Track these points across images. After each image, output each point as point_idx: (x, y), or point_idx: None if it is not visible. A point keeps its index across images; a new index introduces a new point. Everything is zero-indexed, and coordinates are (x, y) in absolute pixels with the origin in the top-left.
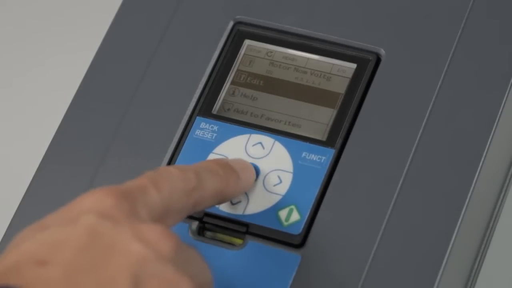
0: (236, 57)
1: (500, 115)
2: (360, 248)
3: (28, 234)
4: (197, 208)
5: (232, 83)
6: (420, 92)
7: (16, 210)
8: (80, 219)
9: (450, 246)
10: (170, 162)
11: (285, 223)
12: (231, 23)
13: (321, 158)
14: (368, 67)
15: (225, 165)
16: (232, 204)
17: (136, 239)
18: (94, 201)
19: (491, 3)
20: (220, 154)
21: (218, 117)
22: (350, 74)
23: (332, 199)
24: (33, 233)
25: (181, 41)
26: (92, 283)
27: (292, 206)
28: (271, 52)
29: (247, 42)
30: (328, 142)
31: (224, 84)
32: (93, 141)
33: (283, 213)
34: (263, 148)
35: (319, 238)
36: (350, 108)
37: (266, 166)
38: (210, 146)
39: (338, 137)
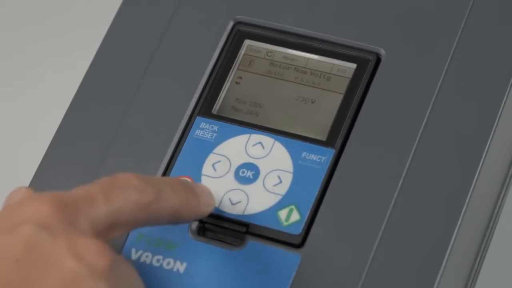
0: (236, 57)
1: (500, 115)
2: (360, 248)
3: None
4: (151, 223)
5: (232, 83)
6: (420, 92)
7: None
8: (19, 228)
9: (450, 246)
10: (170, 162)
11: (285, 223)
12: (231, 23)
13: (321, 158)
14: (368, 67)
15: (188, 186)
16: (232, 204)
17: (70, 254)
18: (35, 209)
19: (491, 3)
20: (220, 154)
21: (218, 117)
22: (350, 74)
23: (332, 199)
24: None
25: (181, 41)
26: None
27: (292, 206)
28: (271, 52)
29: (247, 42)
30: (328, 142)
31: (224, 84)
32: (93, 141)
33: (283, 213)
34: (263, 148)
35: (319, 238)
36: (350, 108)
37: (266, 166)
38: (210, 146)
39: (338, 137)
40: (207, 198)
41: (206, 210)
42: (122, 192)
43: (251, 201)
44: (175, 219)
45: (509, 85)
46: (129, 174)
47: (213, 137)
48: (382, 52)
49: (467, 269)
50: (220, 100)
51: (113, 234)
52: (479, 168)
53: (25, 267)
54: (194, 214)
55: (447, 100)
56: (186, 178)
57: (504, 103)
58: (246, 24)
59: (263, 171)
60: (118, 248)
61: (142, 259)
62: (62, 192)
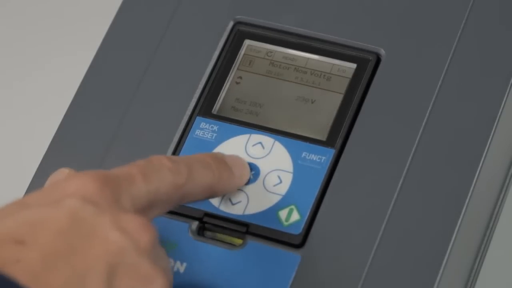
0: (236, 57)
1: (500, 115)
2: (360, 248)
3: (9, 210)
4: (185, 200)
5: (232, 83)
6: (420, 92)
7: None
8: (63, 201)
9: (450, 246)
10: None
11: (285, 223)
12: (231, 23)
13: (321, 158)
14: (368, 67)
15: (219, 160)
16: (232, 204)
17: (115, 228)
18: (79, 185)
19: (491, 3)
20: None
21: (218, 117)
22: (350, 74)
23: (332, 199)
24: (15, 210)
25: (181, 41)
26: (67, 268)
27: (292, 206)
28: (271, 52)
29: (247, 42)
30: (328, 142)
31: (224, 84)
32: (93, 141)
33: (283, 213)
34: (263, 148)
35: (319, 238)
36: (350, 108)
37: (266, 166)
38: (210, 146)
39: (338, 137)
40: (240, 169)
41: (240, 181)
42: (158, 173)
43: (251, 201)
44: (210, 195)
45: (509, 85)
46: (162, 156)
47: (213, 137)
48: (382, 52)
49: (467, 269)
50: (220, 100)
51: (151, 214)
52: (479, 168)
53: (69, 238)
54: (229, 187)
55: (447, 100)
56: (215, 152)
57: (504, 103)
58: (246, 24)
59: (263, 171)
60: None
61: None
62: (104, 170)
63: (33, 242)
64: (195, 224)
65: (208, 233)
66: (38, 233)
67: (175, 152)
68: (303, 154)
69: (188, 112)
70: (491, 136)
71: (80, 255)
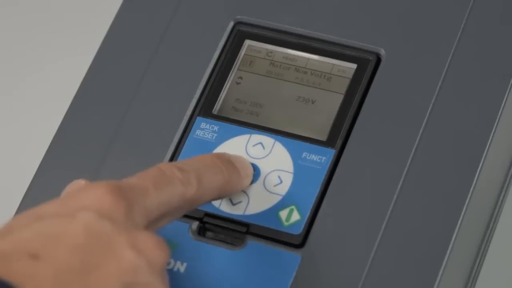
0: (236, 57)
1: (500, 115)
2: (360, 248)
3: (24, 220)
4: (195, 207)
5: (232, 83)
6: (420, 92)
7: (17, 211)
8: (79, 214)
9: (450, 246)
10: (170, 161)
11: (286, 223)
12: (231, 23)
13: (321, 158)
14: (368, 67)
15: (228, 162)
16: (233, 204)
17: (131, 247)
18: (95, 197)
19: (491, 3)
20: None
21: (218, 117)
22: (350, 74)
23: (332, 199)
24: (30, 221)
25: (181, 41)
26: (80, 285)
27: (293, 206)
28: (271, 52)
29: (247, 42)
30: (328, 142)
31: (225, 84)
32: (93, 141)
33: (283, 213)
34: (264, 148)
35: (319, 238)
36: (350, 108)
37: (267, 166)
38: (211, 146)
39: (338, 137)
40: (246, 169)
41: (247, 182)
42: (170, 185)
43: (252, 201)
44: (218, 197)
45: (509, 85)
46: (172, 165)
47: (214, 137)
48: (382, 52)
49: (467, 269)
50: (221, 100)
51: (161, 224)
52: (479, 168)
53: (84, 254)
54: (236, 189)
55: (447, 100)
56: (220, 152)
57: (504, 103)
58: (246, 24)
59: (263, 171)
60: None
61: None
62: (117, 180)
63: (48, 257)
64: (195, 224)
65: (209, 233)
66: (53, 247)
67: (175, 152)
68: (304, 154)
69: (189, 112)
70: (491, 136)
71: (94, 274)
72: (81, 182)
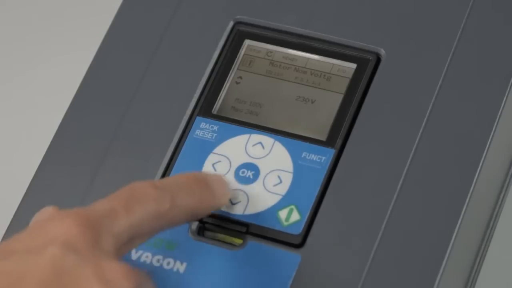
0: (236, 57)
1: (500, 115)
2: (360, 248)
3: None
4: (167, 227)
5: (232, 83)
6: (420, 92)
7: (16, 211)
8: (45, 249)
9: (450, 246)
10: (170, 162)
11: (285, 223)
12: (231, 23)
13: (321, 158)
14: (368, 67)
15: (202, 183)
16: (232, 204)
17: (97, 279)
18: (61, 229)
19: (491, 3)
20: (220, 154)
21: (218, 117)
22: (350, 74)
23: (332, 199)
24: None
25: (181, 41)
26: None
27: (292, 206)
28: (271, 52)
29: (247, 42)
30: (328, 142)
31: (224, 84)
32: (93, 141)
33: (283, 213)
34: (263, 148)
35: (319, 238)
36: (350, 108)
37: (266, 166)
38: (210, 146)
39: (338, 137)
40: (222, 189)
41: (223, 201)
42: (141, 204)
43: (251, 201)
44: (192, 218)
45: (509, 85)
46: (145, 183)
47: (213, 137)
48: (382, 52)
49: (467, 269)
50: (220, 100)
51: (133, 245)
52: (479, 168)
53: None
54: (211, 209)
55: (447, 100)
56: (197, 172)
57: (504, 103)
58: (246, 24)
59: (263, 171)
60: None
61: (142, 259)
62: (85, 208)
63: None
64: (195, 224)
65: (208, 233)
66: (20, 285)
67: (175, 152)
68: (303, 154)
69: (188, 112)
70: (491, 136)
71: None
72: (48, 209)
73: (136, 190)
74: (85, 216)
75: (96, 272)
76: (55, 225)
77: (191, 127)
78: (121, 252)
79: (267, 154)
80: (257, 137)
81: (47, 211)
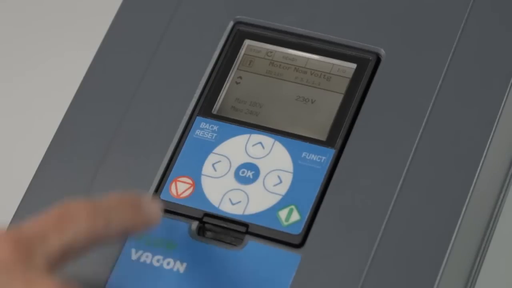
0: (236, 57)
1: (500, 115)
2: (360, 248)
3: None
4: (99, 245)
5: (232, 82)
6: (420, 92)
7: (16, 210)
8: None
9: (450, 246)
10: (170, 162)
11: (285, 223)
12: (231, 23)
13: (321, 158)
14: (368, 67)
15: (134, 205)
16: (232, 204)
17: None
18: None
19: (491, 3)
20: (220, 154)
21: (218, 117)
22: (350, 74)
23: (332, 199)
24: None
25: (181, 41)
26: None
27: (292, 206)
28: (271, 52)
29: (247, 42)
30: (328, 142)
31: (224, 84)
32: (93, 141)
33: (283, 213)
34: (263, 148)
35: (319, 238)
36: (350, 108)
37: (266, 166)
38: (210, 146)
39: (338, 137)
40: (152, 210)
41: (154, 223)
42: (73, 224)
43: (251, 201)
44: (124, 236)
45: (509, 86)
46: (78, 203)
47: (213, 137)
48: (382, 52)
49: (467, 269)
50: (220, 100)
51: (66, 261)
52: (479, 168)
53: None
54: (143, 229)
55: (447, 100)
56: (129, 193)
57: (504, 103)
58: (246, 24)
59: (263, 171)
60: (118, 249)
61: (142, 259)
62: (17, 229)
63: None
64: (195, 224)
65: (208, 233)
66: None
67: (175, 152)
68: (303, 154)
69: (188, 112)
70: (491, 136)
71: None
72: None
73: (69, 210)
74: (17, 237)
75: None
76: None
77: (191, 127)
78: (55, 268)
79: (267, 154)
80: (257, 137)
81: None
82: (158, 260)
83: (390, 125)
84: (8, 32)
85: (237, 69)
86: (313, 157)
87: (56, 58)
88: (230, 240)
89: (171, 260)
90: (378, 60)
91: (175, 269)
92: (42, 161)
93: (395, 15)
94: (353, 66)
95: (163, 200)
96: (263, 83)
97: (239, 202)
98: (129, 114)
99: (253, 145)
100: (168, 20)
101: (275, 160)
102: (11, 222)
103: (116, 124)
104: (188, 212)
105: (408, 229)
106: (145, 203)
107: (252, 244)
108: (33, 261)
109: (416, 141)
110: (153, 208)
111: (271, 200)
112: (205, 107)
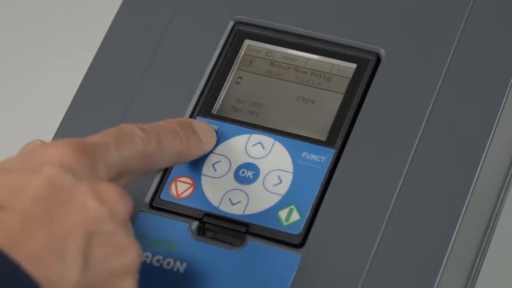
0: (236, 57)
1: (500, 115)
2: (360, 248)
3: None
4: (154, 168)
5: (232, 83)
6: (420, 92)
7: None
8: (42, 168)
9: (450, 246)
10: None
11: (285, 223)
12: (231, 23)
13: (321, 158)
14: (368, 67)
15: (187, 127)
16: (232, 204)
17: (94, 196)
18: (57, 153)
19: (491, 3)
20: (220, 154)
21: (218, 117)
22: (350, 74)
23: (332, 199)
24: None
25: (181, 41)
26: (46, 234)
27: (292, 206)
28: (271, 52)
29: (247, 42)
30: (328, 142)
31: (224, 84)
32: None
33: (283, 213)
34: (263, 148)
35: (319, 238)
36: (350, 108)
37: (266, 166)
38: None
39: (338, 137)
40: (207, 135)
41: (208, 147)
42: (130, 142)
43: (251, 201)
44: (178, 161)
45: (509, 86)
46: (132, 124)
47: None
48: (382, 52)
49: (467, 269)
50: (220, 100)
51: (121, 181)
52: (479, 168)
53: (48, 205)
54: (196, 154)
55: (447, 100)
56: (183, 118)
57: (504, 103)
58: (246, 24)
59: (263, 171)
60: None
61: (142, 259)
62: (79, 138)
63: (13, 207)
64: (195, 224)
65: (208, 233)
66: (18, 199)
67: None
68: (303, 154)
69: (188, 112)
70: (491, 136)
71: (58, 222)
72: (36, 142)
73: (125, 129)
74: (81, 143)
75: (92, 190)
76: (49, 150)
77: None
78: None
79: (267, 154)
80: (257, 137)
81: (34, 142)
82: (158, 260)
83: (390, 125)
84: (8, 32)
85: (237, 69)
86: (313, 157)
87: (55, 58)
88: (230, 240)
89: (171, 260)
90: (378, 60)
91: (175, 269)
92: None
93: (395, 15)
94: (353, 66)
95: (163, 200)
96: (263, 83)
97: (239, 202)
98: (129, 114)
99: (253, 145)
100: (168, 20)
101: (275, 160)
102: None
103: (116, 123)
104: (188, 212)
105: (408, 229)
106: (197, 125)
107: (252, 244)
108: (96, 168)
109: (416, 141)
110: (207, 132)
111: (271, 200)
112: (205, 107)
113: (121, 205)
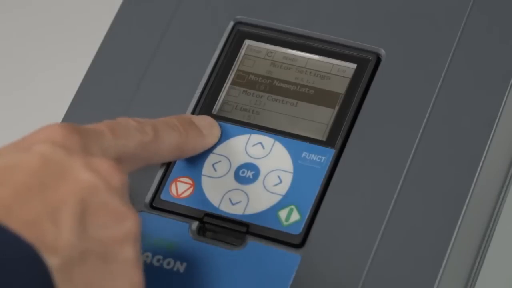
0: (236, 57)
1: (500, 115)
2: (360, 248)
3: None
4: (154, 160)
5: (232, 83)
6: (420, 92)
7: None
8: (34, 147)
9: (450, 246)
10: (170, 162)
11: (285, 223)
12: (231, 23)
13: (321, 158)
14: (368, 67)
15: (187, 121)
16: (232, 204)
17: (87, 168)
18: (49, 132)
19: (491, 3)
20: (220, 154)
21: (218, 117)
22: (350, 74)
23: (332, 199)
24: None
25: (181, 41)
26: (39, 203)
27: (292, 206)
28: (271, 52)
29: (247, 42)
30: (328, 142)
31: (224, 84)
32: None
33: (283, 213)
34: (263, 148)
35: (319, 238)
36: (350, 108)
37: (266, 166)
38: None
39: (338, 137)
40: (210, 128)
41: (211, 140)
42: (125, 130)
43: (251, 201)
44: (179, 154)
45: (509, 85)
46: (127, 118)
47: None
48: (382, 52)
49: (467, 269)
50: (220, 100)
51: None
52: (479, 168)
53: (41, 177)
54: (198, 146)
55: (447, 100)
56: (184, 114)
57: (504, 103)
58: (246, 24)
59: (263, 171)
60: None
61: (142, 259)
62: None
63: (6, 182)
64: (195, 224)
65: (208, 233)
66: (10, 175)
67: None
68: (303, 154)
69: (189, 112)
70: (491, 136)
71: (52, 191)
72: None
73: (120, 120)
74: (71, 124)
75: (85, 163)
76: (40, 131)
77: None
78: None
79: (267, 154)
80: (257, 137)
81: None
82: (158, 260)
83: (390, 125)
84: (8, 31)
85: (237, 69)
86: (313, 157)
87: (55, 58)
88: (230, 240)
89: (171, 260)
90: (378, 60)
91: (175, 269)
92: None
93: (395, 15)
94: (353, 66)
95: (163, 200)
96: (263, 83)
97: (239, 202)
98: (129, 114)
99: (253, 145)
100: (168, 20)
101: (275, 160)
102: None
103: None
104: (189, 212)
105: (408, 229)
106: (198, 118)
107: (252, 244)
108: (90, 147)
109: (416, 141)
110: (209, 125)
111: (271, 200)
112: (205, 107)
113: (116, 177)
